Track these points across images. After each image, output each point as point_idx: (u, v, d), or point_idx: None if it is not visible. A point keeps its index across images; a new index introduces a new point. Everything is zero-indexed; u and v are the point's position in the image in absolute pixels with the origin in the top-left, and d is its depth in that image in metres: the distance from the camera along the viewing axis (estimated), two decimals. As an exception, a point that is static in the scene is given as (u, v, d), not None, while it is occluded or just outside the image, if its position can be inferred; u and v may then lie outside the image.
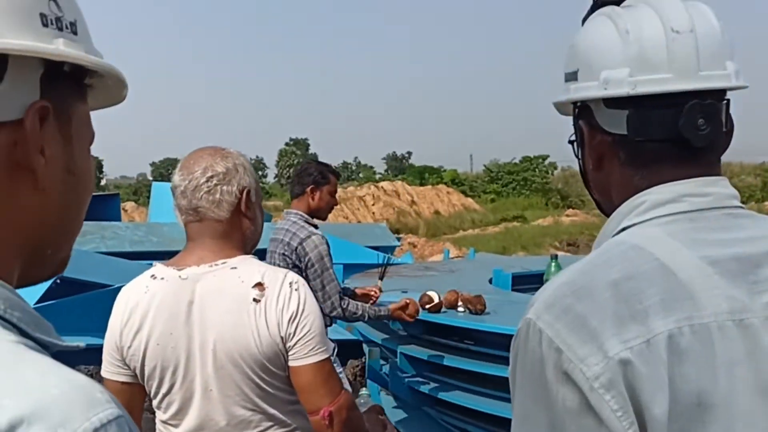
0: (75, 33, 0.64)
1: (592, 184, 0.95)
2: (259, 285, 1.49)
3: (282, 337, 1.47)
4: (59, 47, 0.60)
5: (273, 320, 1.47)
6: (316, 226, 3.24)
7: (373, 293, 3.55)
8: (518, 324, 0.82)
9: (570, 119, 0.99)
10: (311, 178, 3.23)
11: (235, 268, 1.52)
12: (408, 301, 3.31)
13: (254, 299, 1.48)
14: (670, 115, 0.83)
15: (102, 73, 0.67)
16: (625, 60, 0.85)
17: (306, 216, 3.22)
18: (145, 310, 1.49)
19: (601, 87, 0.87)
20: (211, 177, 1.54)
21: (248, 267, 1.53)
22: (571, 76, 0.93)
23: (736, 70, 0.86)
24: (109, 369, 1.56)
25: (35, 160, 0.59)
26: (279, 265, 2.94)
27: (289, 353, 1.49)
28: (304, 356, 1.49)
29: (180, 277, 1.50)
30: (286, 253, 3.10)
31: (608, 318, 0.73)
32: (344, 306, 3.11)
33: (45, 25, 0.59)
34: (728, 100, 0.87)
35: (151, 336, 1.48)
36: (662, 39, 0.84)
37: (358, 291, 3.59)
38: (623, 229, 0.85)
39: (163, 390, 1.51)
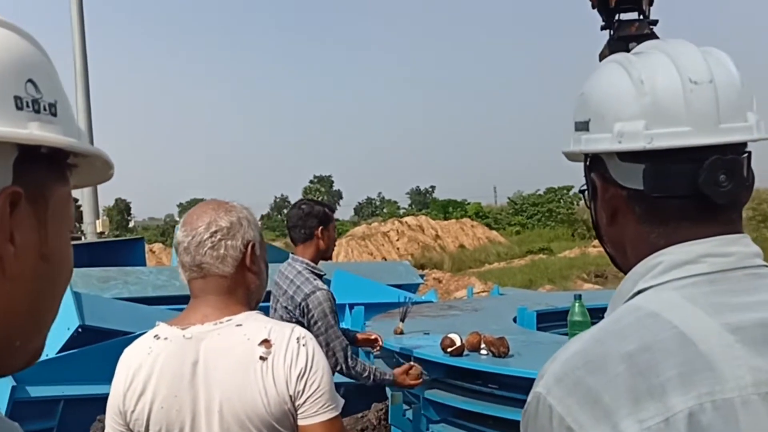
0: (54, 114, 0.62)
1: (606, 238, 0.91)
2: (266, 342, 1.45)
3: (290, 396, 1.43)
4: (33, 131, 0.58)
5: (281, 378, 1.43)
6: (322, 275, 3.09)
7: (374, 338, 3.44)
8: (529, 396, 0.77)
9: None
10: (317, 219, 3.05)
11: (240, 325, 1.48)
12: (411, 364, 3.24)
13: (261, 357, 1.44)
14: (690, 171, 0.78)
15: (85, 154, 0.65)
16: (640, 111, 0.81)
17: (312, 265, 3.05)
18: (149, 372, 1.46)
19: (615, 140, 0.82)
20: (215, 232, 1.51)
21: (254, 323, 1.49)
22: (583, 126, 0.89)
23: (758, 120, 0.81)
24: None
25: (3, 249, 0.57)
26: (282, 317, 2.91)
27: (299, 412, 1.44)
28: (313, 414, 1.45)
29: (184, 336, 1.47)
30: (289, 307, 2.98)
31: (623, 394, 0.68)
32: (351, 365, 2.99)
33: (19, 108, 0.57)
34: (749, 153, 0.82)
35: (155, 399, 1.44)
36: (679, 90, 0.79)
37: (359, 336, 3.48)
38: (639, 292, 0.80)
39: None
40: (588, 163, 0.90)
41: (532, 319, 4.56)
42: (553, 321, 5.03)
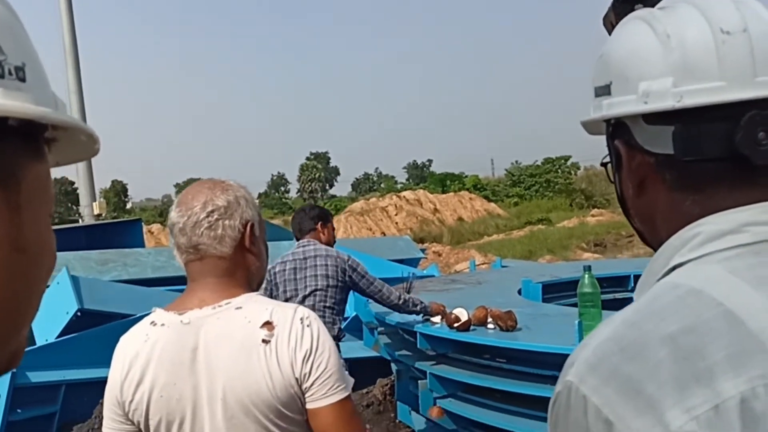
0: (22, 79, 0.52)
1: (633, 212, 0.82)
2: (268, 324, 1.39)
3: (297, 379, 1.37)
4: None
5: (285, 361, 1.36)
6: None
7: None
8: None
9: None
10: (318, 216, 3.74)
11: (240, 308, 1.41)
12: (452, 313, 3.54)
13: (263, 340, 1.37)
14: (724, 130, 0.70)
15: (62, 126, 0.55)
16: (668, 68, 0.73)
17: (324, 245, 3.63)
18: (146, 360, 1.39)
19: (640, 101, 0.74)
20: (212, 212, 1.44)
21: (254, 305, 1.43)
22: (603, 90, 0.80)
23: None
24: (111, 426, 1.45)
25: None
26: (327, 276, 3.50)
27: (307, 395, 1.38)
28: (322, 397, 1.39)
29: (182, 322, 1.40)
30: (337, 264, 3.50)
31: (667, 382, 0.60)
32: (407, 297, 3.66)
33: None
34: None
35: (154, 388, 1.38)
36: (710, 42, 0.71)
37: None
38: (675, 267, 0.71)
39: None
40: (611, 130, 0.82)
41: (537, 291, 4.51)
42: (558, 292, 4.98)
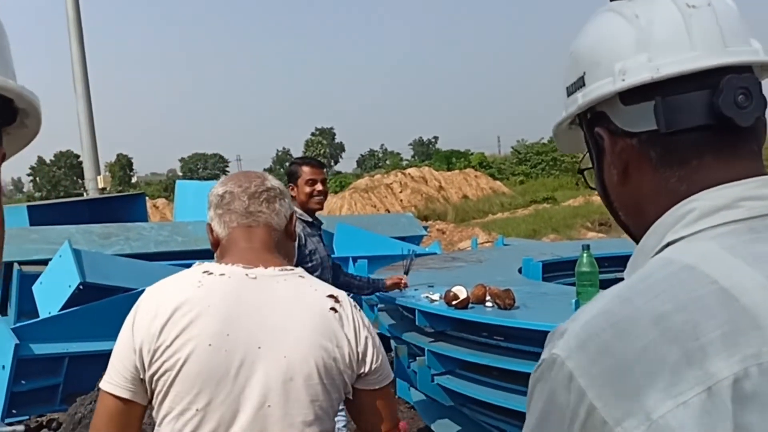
0: None
1: (618, 203, 0.82)
2: (333, 297, 1.41)
3: (358, 354, 1.39)
4: None
5: (351, 334, 1.39)
6: (311, 222, 3.42)
7: (400, 281, 3.82)
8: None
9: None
10: (288, 177, 3.46)
11: (303, 277, 1.43)
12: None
13: (332, 308, 1.38)
14: (704, 97, 0.71)
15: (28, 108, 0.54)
16: (640, 45, 0.75)
17: (299, 211, 3.35)
18: (199, 306, 1.31)
19: (617, 79, 0.75)
20: (270, 188, 1.50)
21: (313, 279, 1.46)
22: (577, 84, 0.81)
23: (762, 47, 0.75)
24: (115, 380, 1.33)
25: None
26: None
27: (362, 376, 1.41)
28: (382, 378, 1.45)
29: (247, 275, 1.37)
30: None
31: (655, 365, 0.59)
32: None
33: None
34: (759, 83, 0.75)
35: (202, 335, 1.29)
36: (678, 16, 0.74)
37: (387, 281, 3.84)
38: (668, 245, 0.70)
39: (198, 404, 1.28)
40: (588, 122, 0.82)
41: (537, 269, 4.50)
42: (558, 271, 4.98)
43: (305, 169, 3.41)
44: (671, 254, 0.68)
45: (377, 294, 4.22)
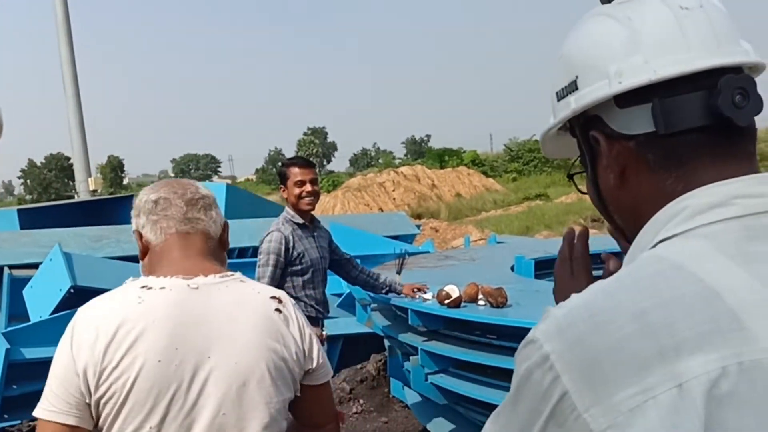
0: None
1: (614, 207, 0.82)
2: (276, 298, 1.42)
3: (303, 352, 1.41)
4: None
5: (297, 334, 1.41)
6: (303, 224, 3.39)
7: (419, 288, 3.62)
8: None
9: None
10: (279, 178, 3.44)
11: (244, 281, 1.43)
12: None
13: (276, 309, 1.40)
14: (702, 98, 0.72)
15: None
16: (635, 47, 0.74)
17: (291, 213, 3.37)
18: (143, 322, 1.28)
19: (614, 82, 0.75)
20: (205, 196, 1.49)
21: (255, 282, 1.47)
22: (569, 88, 0.81)
23: (751, 48, 0.76)
24: (57, 407, 1.26)
25: None
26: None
27: (308, 373, 1.44)
28: (324, 375, 1.48)
29: (189, 286, 1.35)
30: (262, 241, 3.34)
31: (628, 359, 0.59)
32: None
33: None
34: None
35: (149, 352, 1.26)
36: (671, 18, 0.74)
37: (406, 287, 3.69)
38: (661, 242, 0.71)
39: (152, 421, 1.26)
40: (582, 126, 0.81)
41: (530, 267, 4.50)
42: (551, 268, 4.97)
43: (294, 170, 3.36)
44: (662, 251, 0.69)
45: (370, 294, 4.21)
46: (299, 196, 3.33)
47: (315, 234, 3.44)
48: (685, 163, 0.73)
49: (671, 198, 0.72)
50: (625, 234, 0.82)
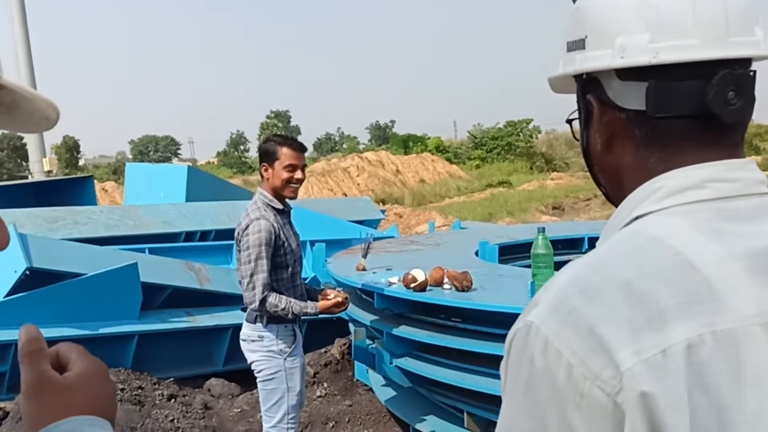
0: None
1: (598, 168, 0.83)
2: None
3: None
4: None
5: None
6: (282, 210, 3.07)
7: (333, 296, 3.14)
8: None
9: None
10: (264, 155, 3.04)
11: None
12: (337, 295, 3.10)
13: None
14: (697, 87, 0.72)
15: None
16: (644, 24, 0.74)
17: (269, 197, 3.03)
18: None
19: (616, 55, 0.75)
20: None
21: None
22: (577, 45, 0.81)
23: (765, 36, 0.75)
24: None
25: None
26: (235, 245, 3.03)
27: None
28: None
29: None
30: (238, 232, 3.03)
31: (621, 324, 0.63)
32: (268, 299, 2.93)
33: None
34: (755, 72, 0.76)
35: None
36: (687, 0, 0.73)
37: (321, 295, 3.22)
38: (636, 219, 0.73)
39: None
40: (582, 85, 0.82)
41: (494, 252, 4.56)
42: (514, 254, 5.06)
43: (286, 151, 3.00)
44: (639, 227, 0.71)
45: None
46: (287, 181, 3.00)
47: (290, 221, 3.17)
48: (669, 145, 0.74)
49: (652, 175, 0.74)
50: (607, 192, 0.84)
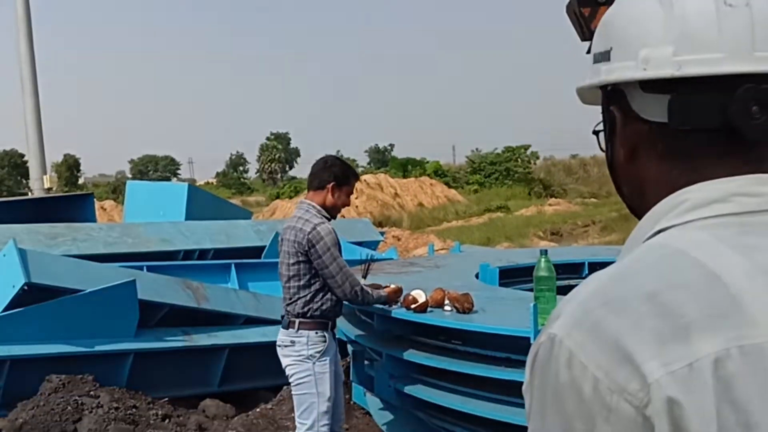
0: None
1: (622, 178, 0.83)
2: None
3: None
4: None
5: None
6: (328, 218, 3.37)
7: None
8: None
9: (586, 107, 0.88)
10: (334, 175, 3.34)
11: None
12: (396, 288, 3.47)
13: None
14: (720, 101, 0.71)
15: None
16: (669, 37, 0.74)
17: (319, 208, 3.33)
18: None
19: (639, 67, 0.75)
20: None
21: None
22: (603, 56, 0.81)
23: None
24: None
25: None
26: (288, 252, 3.28)
27: None
28: None
29: None
30: (297, 239, 3.23)
31: (646, 336, 0.62)
32: (359, 292, 3.29)
33: None
34: None
35: None
36: (712, 13, 0.72)
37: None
38: (659, 232, 0.73)
39: None
40: (607, 96, 0.83)
41: (494, 275, 4.55)
42: (515, 277, 5.04)
43: (353, 182, 3.47)
44: (662, 240, 0.71)
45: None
46: (343, 204, 3.44)
47: None
48: (692, 159, 0.74)
49: (674, 188, 0.74)
50: (631, 204, 0.83)
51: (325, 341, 3.28)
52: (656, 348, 0.61)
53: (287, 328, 3.29)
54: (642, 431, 0.60)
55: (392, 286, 3.50)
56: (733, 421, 0.59)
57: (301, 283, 3.26)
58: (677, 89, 0.73)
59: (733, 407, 0.59)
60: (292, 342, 3.26)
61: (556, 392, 0.65)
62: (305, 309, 3.25)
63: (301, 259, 3.24)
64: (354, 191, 3.52)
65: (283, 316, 3.36)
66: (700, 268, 0.65)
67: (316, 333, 3.26)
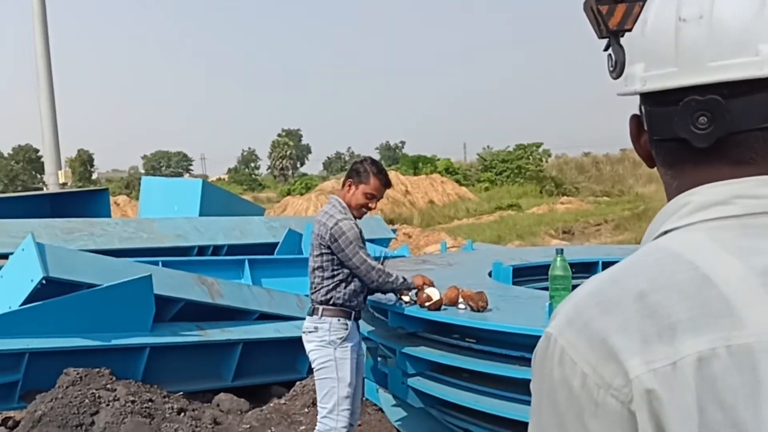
0: None
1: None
2: None
3: None
4: None
5: None
6: (354, 216, 3.44)
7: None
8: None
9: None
10: (354, 173, 3.44)
11: None
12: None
13: None
14: (671, 113, 0.76)
15: None
16: (641, 53, 0.79)
17: (344, 204, 3.42)
18: None
19: (624, 83, 0.83)
20: None
21: None
22: None
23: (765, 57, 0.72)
24: None
25: None
26: (313, 245, 3.41)
27: None
28: None
29: None
30: (320, 232, 3.34)
31: (632, 335, 0.65)
32: (386, 279, 3.38)
33: None
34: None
35: None
36: (671, 29, 0.76)
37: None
38: (666, 233, 0.76)
39: None
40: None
41: (508, 273, 4.54)
42: (528, 276, 5.04)
43: (374, 181, 3.42)
44: (663, 242, 0.74)
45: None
46: (361, 206, 3.44)
47: None
48: (673, 165, 0.79)
49: (671, 190, 0.79)
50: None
51: (346, 329, 3.40)
52: (641, 346, 0.64)
53: (311, 315, 3.43)
54: (628, 425, 0.64)
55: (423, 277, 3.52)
56: (719, 420, 0.61)
57: (325, 274, 3.39)
58: (649, 102, 0.79)
59: (719, 406, 0.62)
60: (315, 328, 3.39)
61: (550, 388, 0.69)
62: (328, 296, 3.39)
63: (324, 251, 3.38)
64: (376, 195, 3.46)
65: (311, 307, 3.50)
66: (691, 271, 0.68)
67: (339, 320, 3.39)
